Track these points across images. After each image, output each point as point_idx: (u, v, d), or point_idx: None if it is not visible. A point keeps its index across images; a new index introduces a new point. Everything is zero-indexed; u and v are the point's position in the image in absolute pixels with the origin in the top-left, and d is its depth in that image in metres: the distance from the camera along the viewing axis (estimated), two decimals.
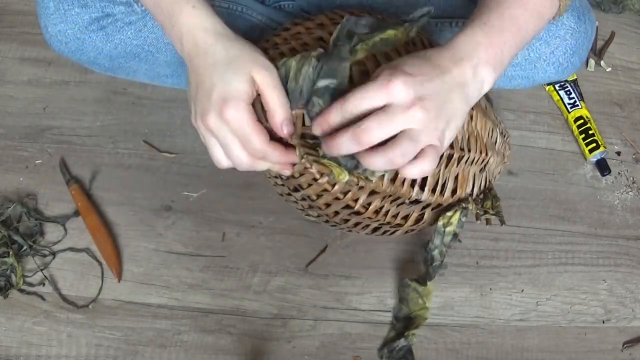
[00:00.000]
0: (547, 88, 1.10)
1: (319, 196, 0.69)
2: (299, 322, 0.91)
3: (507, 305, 0.94)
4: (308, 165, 0.62)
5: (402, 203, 0.72)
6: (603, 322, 0.94)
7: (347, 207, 0.71)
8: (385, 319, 0.91)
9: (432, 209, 0.76)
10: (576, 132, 1.06)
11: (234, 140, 0.59)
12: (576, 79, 1.10)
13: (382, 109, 0.55)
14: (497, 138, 0.82)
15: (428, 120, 0.55)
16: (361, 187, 0.66)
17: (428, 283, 0.86)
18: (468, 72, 0.59)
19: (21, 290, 0.90)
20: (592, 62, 1.14)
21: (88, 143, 1.00)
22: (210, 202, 0.97)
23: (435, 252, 0.80)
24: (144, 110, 1.03)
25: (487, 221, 0.82)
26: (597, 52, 1.15)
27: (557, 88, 1.09)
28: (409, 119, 0.55)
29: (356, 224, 0.77)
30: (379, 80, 0.55)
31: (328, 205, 0.71)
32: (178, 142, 1.01)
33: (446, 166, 0.71)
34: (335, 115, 0.57)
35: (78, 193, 0.95)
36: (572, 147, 1.07)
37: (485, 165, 0.79)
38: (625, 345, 0.93)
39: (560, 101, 1.09)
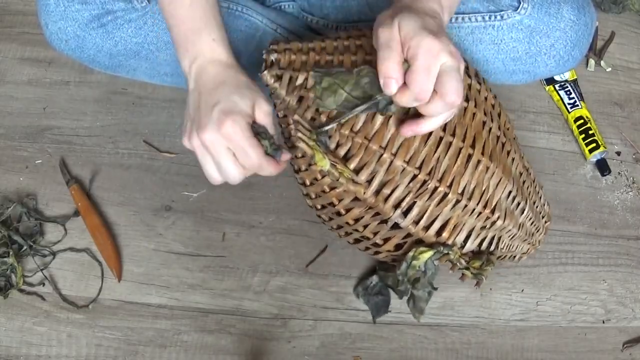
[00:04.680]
0: (547, 88, 1.10)
1: (311, 183, 0.71)
2: (299, 322, 0.91)
3: (507, 305, 0.94)
4: (297, 143, 0.65)
5: (384, 222, 0.71)
6: (603, 322, 0.94)
7: (332, 204, 0.71)
8: (386, 318, 0.91)
9: (415, 242, 0.73)
10: (576, 132, 1.06)
11: (227, 154, 0.63)
12: (576, 79, 1.10)
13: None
14: (523, 208, 0.78)
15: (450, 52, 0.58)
16: (342, 186, 0.67)
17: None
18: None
19: (21, 290, 0.90)
20: (592, 62, 1.14)
21: (88, 143, 1.00)
22: (210, 202, 0.97)
23: (400, 278, 0.77)
24: (144, 110, 1.03)
25: (462, 276, 0.76)
26: (597, 52, 1.15)
27: (557, 88, 1.09)
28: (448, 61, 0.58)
29: (339, 227, 0.77)
30: (423, 60, 0.57)
31: (318, 196, 0.72)
32: (178, 142, 1.01)
33: (437, 204, 0.69)
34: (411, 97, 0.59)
35: (78, 193, 0.95)
36: (572, 147, 1.07)
37: (491, 226, 0.74)
38: (625, 345, 0.93)
39: (560, 101, 1.09)
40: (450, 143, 0.68)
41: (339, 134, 0.67)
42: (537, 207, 0.84)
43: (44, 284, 0.90)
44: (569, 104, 1.08)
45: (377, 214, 0.70)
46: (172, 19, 0.70)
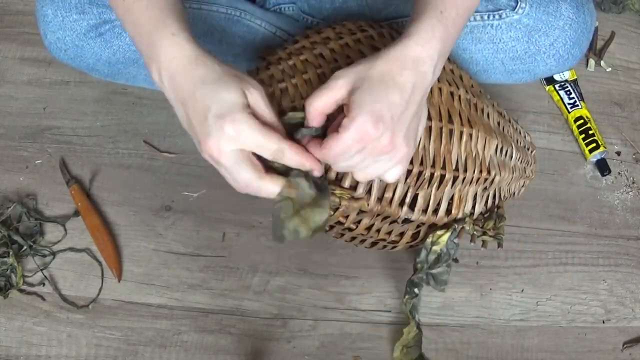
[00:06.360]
0: (547, 88, 1.10)
1: None
2: (299, 322, 0.91)
3: (507, 305, 0.94)
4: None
5: (394, 222, 0.72)
6: (603, 322, 0.94)
7: (339, 223, 0.71)
8: (385, 319, 0.91)
9: (429, 227, 0.75)
10: (576, 132, 1.06)
11: (242, 161, 0.57)
12: (576, 78, 1.10)
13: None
14: (511, 154, 0.80)
15: (400, 145, 0.56)
16: (346, 207, 0.67)
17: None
18: (429, 73, 0.57)
19: (21, 290, 0.90)
20: (592, 62, 1.14)
21: (88, 143, 1.00)
22: (210, 202, 0.97)
23: (419, 266, 0.78)
24: (144, 110, 1.03)
25: (484, 243, 0.79)
26: (597, 52, 1.15)
27: (557, 88, 1.09)
28: (390, 154, 0.56)
29: (352, 238, 0.77)
30: (355, 126, 0.54)
31: None
32: (178, 142, 1.01)
33: (438, 187, 0.70)
34: (322, 157, 0.57)
35: (78, 193, 0.95)
36: (572, 147, 1.07)
37: (491, 184, 0.77)
38: (625, 345, 0.92)
39: (560, 101, 1.09)
40: (430, 127, 0.69)
41: None
42: (520, 143, 0.85)
43: (44, 284, 0.90)
44: (569, 104, 1.08)
45: (387, 216, 0.70)
46: (131, 26, 0.62)
